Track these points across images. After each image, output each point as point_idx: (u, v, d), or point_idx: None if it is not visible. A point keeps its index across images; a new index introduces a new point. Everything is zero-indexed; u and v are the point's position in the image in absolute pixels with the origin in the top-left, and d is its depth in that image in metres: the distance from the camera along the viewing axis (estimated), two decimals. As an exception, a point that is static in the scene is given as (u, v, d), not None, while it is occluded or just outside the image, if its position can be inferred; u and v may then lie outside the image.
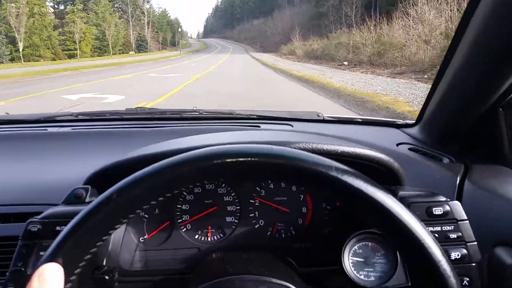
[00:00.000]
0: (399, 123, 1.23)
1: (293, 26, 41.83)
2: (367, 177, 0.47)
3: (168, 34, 70.48)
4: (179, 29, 63.77)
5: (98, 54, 45.00)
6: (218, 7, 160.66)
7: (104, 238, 0.46)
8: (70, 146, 1.08)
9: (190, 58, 38.37)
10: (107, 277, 0.71)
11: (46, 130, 1.18)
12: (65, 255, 0.45)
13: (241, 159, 0.46)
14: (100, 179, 0.70)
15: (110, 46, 45.04)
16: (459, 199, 0.81)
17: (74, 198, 0.69)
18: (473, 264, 0.70)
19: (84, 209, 0.46)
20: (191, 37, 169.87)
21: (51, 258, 0.45)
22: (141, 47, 55.43)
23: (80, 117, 1.26)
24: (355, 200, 0.47)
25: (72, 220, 0.46)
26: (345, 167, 0.47)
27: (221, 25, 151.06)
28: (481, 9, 0.71)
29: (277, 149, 0.47)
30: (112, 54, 45.13)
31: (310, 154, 0.48)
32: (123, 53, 49.50)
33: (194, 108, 1.29)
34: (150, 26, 60.94)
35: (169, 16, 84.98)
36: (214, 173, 0.47)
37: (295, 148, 0.59)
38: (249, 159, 0.46)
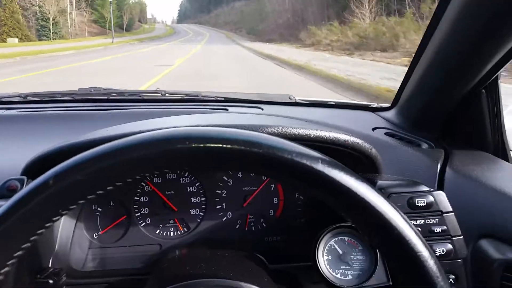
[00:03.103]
0: (374, 106, 1.19)
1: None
2: (341, 164, 0.42)
3: (109, 15, 49.94)
4: (110, 3, 33.92)
5: None
6: None
7: (39, 232, 0.40)
8: (16, 131, 1.00)
9: (87, 57, 17.54)
10: (51, 281, 0.64)
11: None
12: None
13: (201, 145, 0.40)
14: (39, 169, 0.61)
15: None
16: (440, 188, 0.79)
17: (7, 191, 0.61)
18: (459, 260, 0.67)
19: (14, 197, 0.40)
20: (162, 22, 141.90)
21: None
22: (43, 31, 25.83)
23: (29, 98, 1.17)
24: (328, 191, 0.41)
25: (10, 199, 0.40)
26: (314, 152, 0.42)
27: (196, 9, 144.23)
28: None
29: (235, 133, 0.41)
30: None
31: (270, 137, 0.42)
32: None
33: (157, 89, 1.22)
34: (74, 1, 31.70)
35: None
36: (174, 160, 0.41)
37: (261, 132, 0.54)
38: (208, 144, 0.40)
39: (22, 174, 0.63)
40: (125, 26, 52.57)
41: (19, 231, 0.38)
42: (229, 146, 0.40)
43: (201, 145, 0.40)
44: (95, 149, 0.40)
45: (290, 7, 36.87)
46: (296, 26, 33.48)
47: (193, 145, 0.40)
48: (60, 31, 35.03)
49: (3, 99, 1.16)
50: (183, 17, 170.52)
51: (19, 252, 0.39)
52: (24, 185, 0.61)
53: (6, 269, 0.38)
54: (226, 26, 70.25)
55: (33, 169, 0.63)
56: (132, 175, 0.40)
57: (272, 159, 0.40)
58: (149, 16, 76.92)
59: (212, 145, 0.40)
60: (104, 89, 1.23)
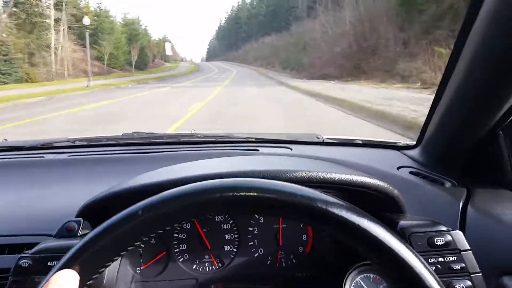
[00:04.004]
0: (400, 144, 1.29)
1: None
2: (358, 209, 0.50)
3: (122, 52, 42.58)
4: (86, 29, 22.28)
5: None
6: (221, 27, 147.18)
7: (122, 253, 0.49)
8: (67, 174, 1.15)
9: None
10: None
11: (43, 157, 1.24)
12: (83, 264, 0.46)
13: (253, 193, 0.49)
14: (93, 211, 0.72)
15: None
16: (462, 225, 0.86)
17: (66, 231, 0.70)
18: None
19: (110, 220, 0.49)
20: (192, 61, 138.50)
21: (69, 265, 0.46)
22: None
23: (77, 143, 1.34)
24: (347, 234, 0.48)
25: (95, 229, 0.49)
26: (332, 199, 0.50)
27: (225, 47, 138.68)
28: (478, 25, 0.77)
29: (256, 183, 0.51)
30: None
31: (294, 186, 0.51)
32: None
33: (192, 132, 1.39)
34: (64, 33, 20.27)
35: (143, 27, 59.75)
36: (234, 205, 0.50)
37: (292, 179, 0.67)
38: (252, 193, 0.49)
39: (77, 216, 0.73)
40: (133, 63, 43.02)
41: (116, 244, 0.47)
42: (274, 196, 0.48)
43: (265, 195, 0.48)
44: (181, 188, 0.50)
45: (351, 29, 24.65)
46: (361, 56, 20.70)
47: (255, 194, 0.48)
48: (17, 71, 24.54)
49: (55, 144, 1.31)
50: (212, 55, 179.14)
51: (110, 262, 0.48)
52: (81, 226, 0.70)
53: (97, 275, 0.47)
54: (256, 62, 65.26)
55: (88, 211, 0.72)
56: (201, 215, 0.49)
57: (304, 209, 0.47)
58: (168, 52, 67.63)
59: (269, 195, 0.48)
60: (146, 133, 1.38)
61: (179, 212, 0.48)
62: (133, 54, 42.94)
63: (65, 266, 0.45)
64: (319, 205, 0.46)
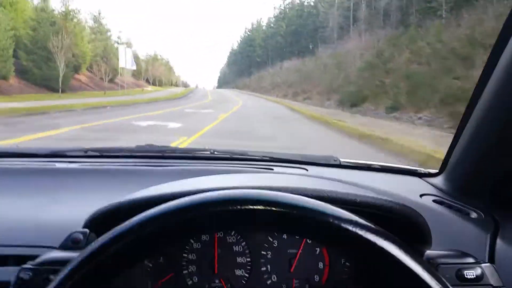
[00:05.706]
0: (420, 171, 1.23)
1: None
2: (393, 236, 0.47)
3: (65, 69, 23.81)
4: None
5: None
6: (232, 52, 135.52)
7: (121, 272, 0.45)
8: (77, 184, 1.13)
9: None
10: None
11: (54, 165, 1.23)
12: (77, 284, 0.43)
13: (269, 208, 0.45)
14: (100, 222, 0.69)
15: None
16: (491, 259, 0.81)
17: (71, 243, 0.68)
18: None
19: (106, 235, 0.45)
20: (204, 88, 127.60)
21: (64, 284, 0.43)
22: None
23: (90, 153, 1.33)
24: (379, 262, 0.45)
25: (91, 244, 0.45)
26: (367, 223, 0.46)
27: (235, 73, 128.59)
28: None
29: (295, 199, 0.46)
30: None
31: (331, 207, 0.47)
32: None
33: (206, 148, 1.39)
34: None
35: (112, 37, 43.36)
36: (246, 220, 0.46)
37: (311, 196, 0.61)
38: (271, 208, 0.45)
39: (84, 227, 0.71)
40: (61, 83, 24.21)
41: (108, 267, 0.43)
42: (304, 214, 0.44)
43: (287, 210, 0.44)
44: (182, 200, 0.45)
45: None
46: None
47: (275, 209, 0.44)
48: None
49: (67, 153, 1.31)
50: (222, 83, 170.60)
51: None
52: (87, 238, 0.68)
53: None
54: (275, 90, 50.96)
55: (94, 222, 0.70)
56: (206, 230, 0.48)
57: (328, 226, 0.44)
58: (123, 64, 37.90)
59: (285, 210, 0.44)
60: (159, 146, 1.37)
61: (183, 226, 0.43)
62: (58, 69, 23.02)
63: (60, 286, 0.41)
64: (347, 226, 0.43)
